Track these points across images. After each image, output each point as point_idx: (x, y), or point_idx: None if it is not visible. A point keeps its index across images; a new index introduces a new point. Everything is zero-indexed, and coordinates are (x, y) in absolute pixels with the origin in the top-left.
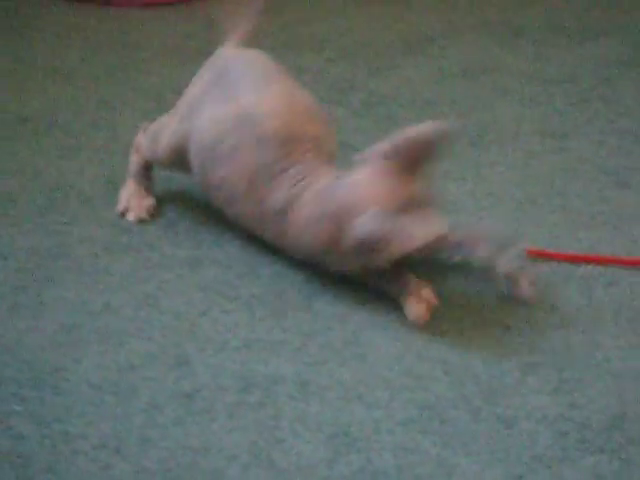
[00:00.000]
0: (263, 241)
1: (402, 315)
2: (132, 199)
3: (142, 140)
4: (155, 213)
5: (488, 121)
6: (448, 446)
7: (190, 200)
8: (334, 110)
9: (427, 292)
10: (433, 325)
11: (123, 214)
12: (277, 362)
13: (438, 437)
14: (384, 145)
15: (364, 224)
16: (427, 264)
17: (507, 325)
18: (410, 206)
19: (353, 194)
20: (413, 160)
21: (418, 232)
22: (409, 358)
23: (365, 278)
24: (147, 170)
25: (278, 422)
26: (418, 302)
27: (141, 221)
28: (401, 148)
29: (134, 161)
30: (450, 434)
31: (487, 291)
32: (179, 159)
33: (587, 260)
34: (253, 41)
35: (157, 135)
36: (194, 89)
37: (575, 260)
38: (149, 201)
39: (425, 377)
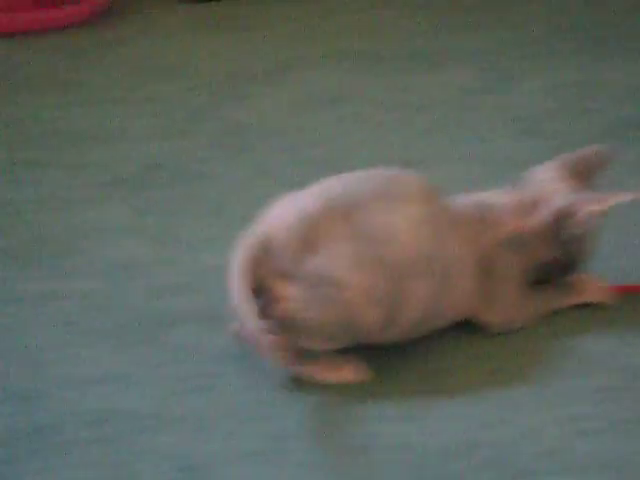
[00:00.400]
0: (110, 271)
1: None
2: None
3: None
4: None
5: (343, 148)
6: (294, 478)
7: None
8: (188, 140)
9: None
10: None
11: None
12: (128, 395)
13: (283, 469)
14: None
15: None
16: None
17: (379, 352)
18: None
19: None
20: (581, 173)
21: (608, 196)
22: (259, 387)
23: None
24: None
25: (132, 456)
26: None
27: None
28: (573, 162)
29: None
30: (296, 464)
31: None
32: None
33: None
34: (115, 68)
35: None
36: None
37: None
38: None
39: (277, 405)
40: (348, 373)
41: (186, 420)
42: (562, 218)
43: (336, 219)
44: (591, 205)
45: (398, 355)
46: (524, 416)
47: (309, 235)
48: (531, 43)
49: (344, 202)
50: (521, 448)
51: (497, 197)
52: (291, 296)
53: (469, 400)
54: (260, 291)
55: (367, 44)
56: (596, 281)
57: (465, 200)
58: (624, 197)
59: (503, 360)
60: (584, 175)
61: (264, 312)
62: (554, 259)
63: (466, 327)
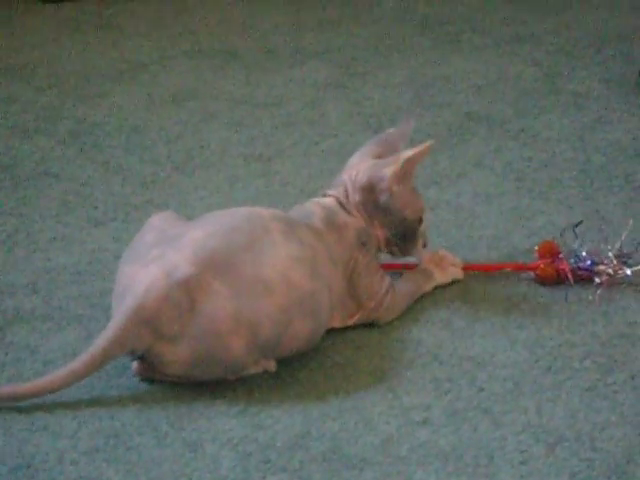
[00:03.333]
0: None
1: (89, 343)
2: None
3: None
4: None
5: (194, 146)
6: (131, 473)
7: None
8: (41, 140)
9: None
10: (123, 357)
11: None
12: None
13: (122, 465)
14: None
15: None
16: None
17: None
18: None
19: None
20: (389, 147)
21: (400, 155)
22: (98, 387)
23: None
24: None
25: None
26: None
27: None
28: (380, 140)
29: None
30: (134, 461)
31: None
32: None
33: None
34: None
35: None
36: None
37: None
38: None
39: (114, 405)
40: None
41: (20, 419)
42: (369, 191)
43: (209, 280)
44: (388, 168)
45: None
46: (361, 408)
47: (185, 300)
48: (385, 39)
49: (213, 260)
50: (359, 438)
51: (330, 200)
52: (180, 359)
53: (308, 393)
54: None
55: (222, 41)
56: (451, 261)
57: (313, 212)
58: (415, 150)
59: (344, 354)
60: (392, 148)
61: (146, 371)
62: (391, 236)
63: None
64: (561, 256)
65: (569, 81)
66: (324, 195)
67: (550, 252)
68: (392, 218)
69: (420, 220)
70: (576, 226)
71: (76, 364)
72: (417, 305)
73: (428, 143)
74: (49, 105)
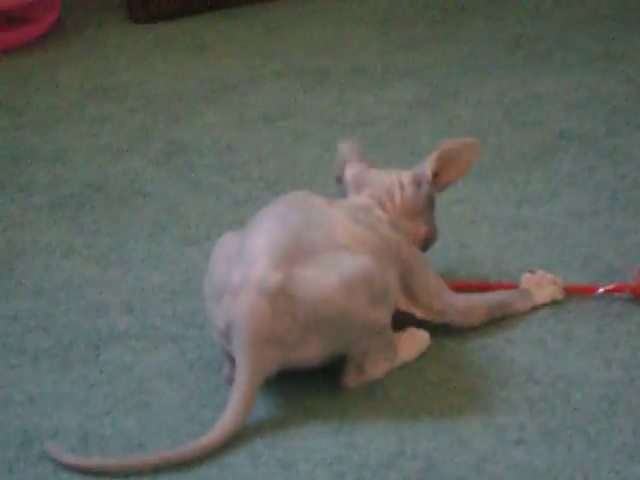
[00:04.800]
0: (55, 291)
1: (186, 362)
2: None
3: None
4: None
5: (286, 165)
6: None
7: None
8: (133, 160)
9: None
10: (217, 372)
11: None
12: (60, 415)
13: None
14: None
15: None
16: None
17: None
18: None
19: None
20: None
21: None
22: (193, 405)
23: None
24: None
25: (58, 476)
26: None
27: None
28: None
29: None
30: (228, 479)
31: None
32: None
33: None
34: (61, 89)
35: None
36: None
37: None
38: None
39: (208, 423)
40: (419, 342)
41: (117, 438)
42: (416, 185)
43: (298, 273)
44: (427, 162)
45: (325, 368)
46: (455, 427)
47: (289, 303)
48: (475, 58)
49: (290, 253)
50: (454, 458)
51: (362, 197)
52: (316, 353)
53: (402, 412)
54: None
55: (312, 61)
56: (549, 280)
57: (351, 209)
58: (452, 143)
59: (437, 373)
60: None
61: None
62: (427, 232)
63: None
64: None
65: None
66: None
67: None
68: (431, 215)
69: (437, 233)
70: None
71: (231, 415)
72: (510, 323)
73: (470, 140)
74: (141, 125)
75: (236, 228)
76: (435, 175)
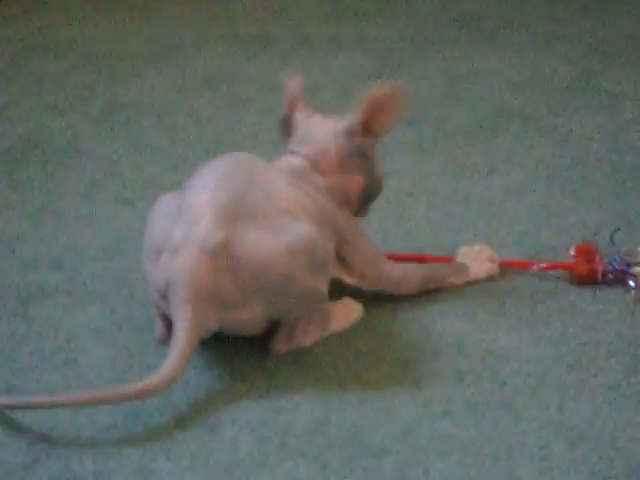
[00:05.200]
0: None
1: (115, 321)
2: None
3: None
4: None
5: (225, 130)
6: (149, 451)
7: None
8: (72, 117)
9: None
10: (147, 332)
11: None
12: None
13: (139, 443)
14: None
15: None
16: None
17: (220, 335)
18: None
19: None
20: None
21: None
22: (120, 364)
23: None
24: None
25: None
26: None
27: None
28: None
29: None
30: (152, 439)
31: None
32: None
33: None
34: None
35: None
36: None
37: None
38: None
39: (135, 382)
40: (352, 312)
41: (42, 394)
42: (348, 135)
43: (241, 232)
44: (355, 113)
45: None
46: (382, 397)
47: (231, 262)
48: (422, 32)
49: (234, 213)
50: (379, 427)
51: (298, 162)
52: (257, 314)
53: (330, 380)
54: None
55: (258, 27)
56: (486, 256)
57: (291, 174)
58: (374, 92)
59: (367, 342)
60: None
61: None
62: (365, 183)
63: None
64: (598, 257)
65: (604, 80)
66: (292, 152)
67: (587, 253)
68: (367, 166)
69: (381, 184)
70: (614, 233)
71: (168, 368)
72: (442, 296)
73: (396, 84)
74: (82, 84)
75: (173, 190)
76: (366, 123)
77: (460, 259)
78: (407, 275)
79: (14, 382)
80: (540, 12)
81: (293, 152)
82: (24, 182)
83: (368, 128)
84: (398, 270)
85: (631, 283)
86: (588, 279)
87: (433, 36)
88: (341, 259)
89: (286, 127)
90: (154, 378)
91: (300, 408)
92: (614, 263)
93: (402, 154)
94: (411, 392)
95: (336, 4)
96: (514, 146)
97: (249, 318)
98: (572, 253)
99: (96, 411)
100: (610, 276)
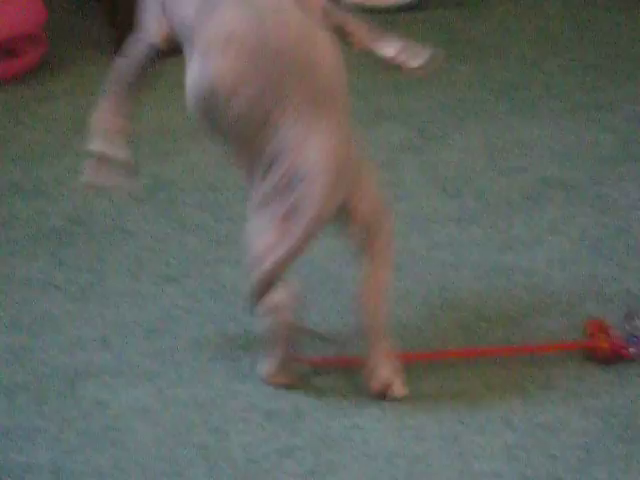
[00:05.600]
0: (32, 325)
1: (163, 400)
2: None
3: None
4: None
5: None
6: None
7: None
8: (116, 196)
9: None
10: (195, 411)
11: None
12: (33, 450)
13: None
14: None
15: None
16: None
17: (269, 410)
18: None
19: None
20: None
21: None
22: (168, 443)
23: None
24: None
25: None
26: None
27: None
28: None
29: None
30: None
31: (252, 375)
32: None
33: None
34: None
35: None
36: None
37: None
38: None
39: (182, 462)
40: None
41: (90, 475)
42: None
43: None
44: None
45: (319, 415)
46: (431, 472)
47: None
48: (462, 103)
49: None
50: None
51: None
52: None
53: (377, 455)
54: None
55: None
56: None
57: None
58: None
59: (415, 417)
60: None
61: None
62: None
63: None
64: (613, 333)
65: None
66: None
67: (600, 329)
68: None
69: None
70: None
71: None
72: (488, 369)
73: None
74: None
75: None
76: None
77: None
78: None
79: (62, 463)
80: (580, 80)
81: None
82: (70, 261)
83: None
84: None
85: None
86: (610, 356)
87: (473, 107)
88: None
89: None
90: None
91: None
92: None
93: (444, 226)
94: (459, 467)
95: (376, 77)
96: (557, 216)
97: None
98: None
99: None
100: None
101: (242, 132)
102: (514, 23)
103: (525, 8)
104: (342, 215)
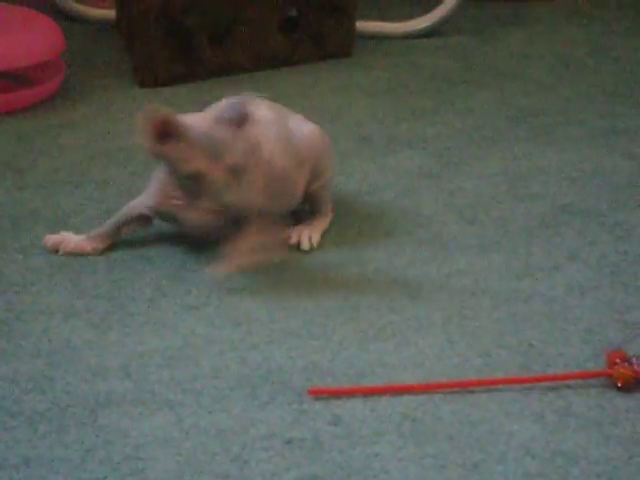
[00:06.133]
0: (53, 353)
1: (183, 429)
2: None
3: None
4: None
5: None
6: None
7: None
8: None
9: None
10: (215, 439)
11: None
12: (55, 479)
13: None
14: None
15: None
16: None
17: (289, 438)
18: None
19: None
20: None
21: None
22: (189, 472)
23: None
24: None
25: None
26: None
27: None
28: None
29: None
30: None
31: (272, 403)
32: None
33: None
34: (66, 152)
35: None
36: None
37: (362, 392)
38: None
39: None
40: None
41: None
42: None
43: None
44: None
45: (341, 443)
46: None
47: None
48: (479, 130)
49: None
50: None
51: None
52: None
53: None
54: None
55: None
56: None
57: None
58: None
59: (433, 444)
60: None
61: None
62: None
63: None
64: (635, 361)
65: None
66: None
67: (621, 357)
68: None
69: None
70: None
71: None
72: (508, 397)
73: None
74: (143, 189)
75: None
76: None
77: None
78: None
79: None
80: (598, 107)
81: None
82: (89, 290)
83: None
84: None
85: None
86: (633, 386)
87: (491, 133)
88: None
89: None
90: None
91: None
92: None
93: (463, 253)
94: None
95: (394, 103)
96: (576, 243)
97: None
98: (610, 361)
99: None
100: None
101: None
102: (532, 49)
103: (543, 34)
104: None
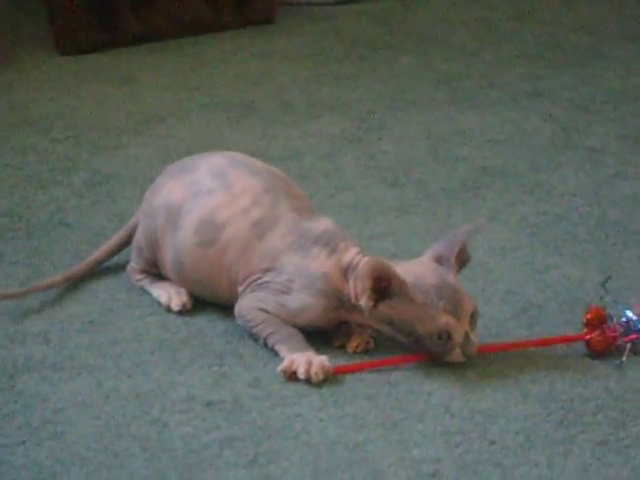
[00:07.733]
0: None
1: (102, 392)
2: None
3: None
4: None
5: None
6: None
7: None
8: (55, 190)
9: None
10: (134, 403)
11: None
12: None
13: None
14: None
15: None
16: None
17: (209, 400)
18: None
19: None
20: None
21: None
22: (108, 436)
23: None
24: None
25: None
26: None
27: None
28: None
29: None
30: None
31: (191, 366)
32: None
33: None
34: None
35: None
36: None
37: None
38: None
39: (122, 454)
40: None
41: (30, 468)
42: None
43: None
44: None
45: (262, 405)
46: (371, 459)
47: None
48: (402, 94)
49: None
50: None
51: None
52: None
53: (317, 444)
54: None
55: (238, 95)
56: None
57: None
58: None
59: (355, 404)
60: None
61: None
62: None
63: None
64: (611, 323)
65: (585, 136)
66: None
67: (599, 320)
68: None
69: None
70: (605, 282)
71: None
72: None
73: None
74: (65, 156)
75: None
76: None
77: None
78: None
79: (1, 457)
80: (519, 70)
81: (358, 253)
82: (8, 256)
83: None
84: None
85: None
86: (606, 350)
87: (413, 98)
88: None
89: None
90: None
91: (289, 474)
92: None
93: (384, 216)
94: (399, 453)
95: (316, 69)
96: (497, 205)
97: None
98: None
99: None
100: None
101: None
102: (454, 14)
103: None
104: None
